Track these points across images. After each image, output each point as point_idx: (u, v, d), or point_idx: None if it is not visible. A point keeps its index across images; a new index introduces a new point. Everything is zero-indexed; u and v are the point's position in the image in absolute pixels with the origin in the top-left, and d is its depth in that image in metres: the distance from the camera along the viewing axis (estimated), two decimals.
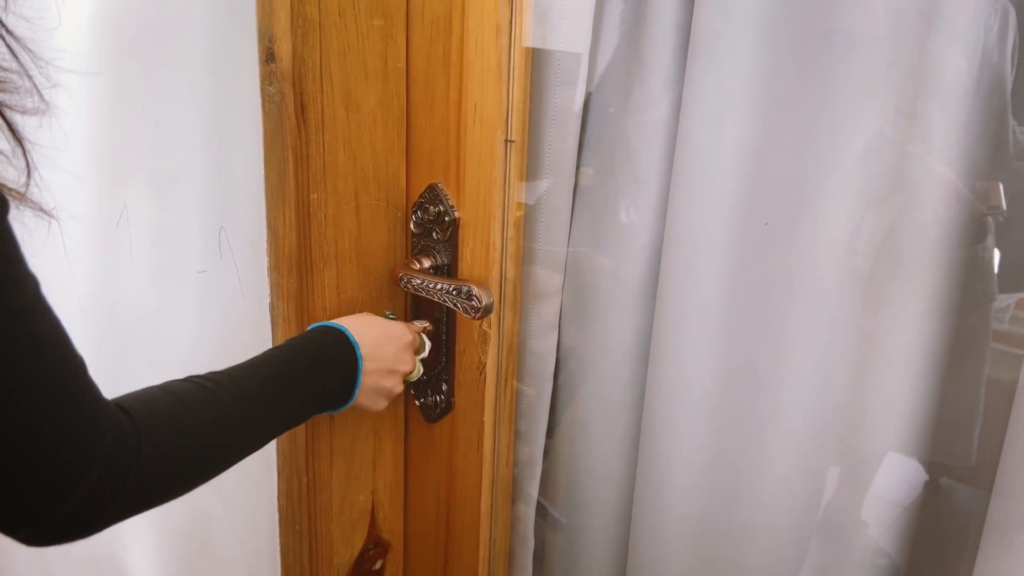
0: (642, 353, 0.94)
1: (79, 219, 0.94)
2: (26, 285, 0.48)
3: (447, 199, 0.87)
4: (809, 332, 0.83)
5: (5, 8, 0.50)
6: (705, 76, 0.81)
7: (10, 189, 0.49)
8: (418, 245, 0.91)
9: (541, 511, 1.08)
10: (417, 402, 0.96)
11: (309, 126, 0.80)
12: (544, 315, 0.98)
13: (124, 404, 0.56)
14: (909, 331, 0.80)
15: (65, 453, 0.49)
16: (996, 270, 0.79)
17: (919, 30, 0.73)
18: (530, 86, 0.86)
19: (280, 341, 0.88)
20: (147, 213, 0.92)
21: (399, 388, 0.85)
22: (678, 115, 0.84)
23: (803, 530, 0.90)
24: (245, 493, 0.98)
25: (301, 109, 0.80)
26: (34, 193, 0.51)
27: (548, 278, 0.97)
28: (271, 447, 0.87)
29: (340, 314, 0.87)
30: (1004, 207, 0.77)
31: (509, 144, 0.83)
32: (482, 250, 0.85)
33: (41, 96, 0.52)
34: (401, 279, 0.87)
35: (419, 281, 0.86)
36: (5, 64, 0.50)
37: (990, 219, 0.77)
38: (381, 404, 0.83)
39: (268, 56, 0.80)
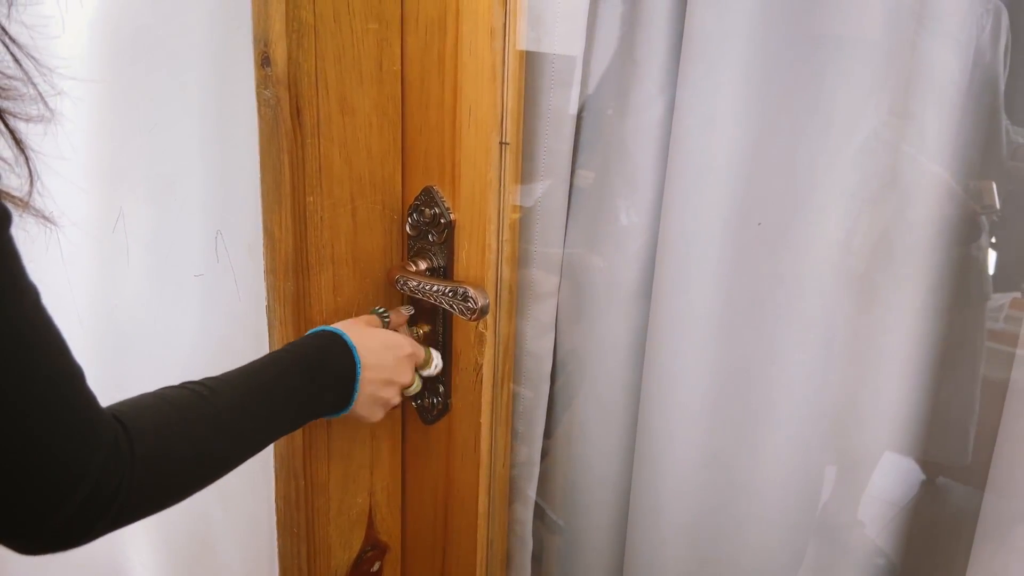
0: (638, 354, 0.94)
1: (76, 224, 0.94)
2: (26, 296, 0.48)
3: (443, 201, 0.87)
4: (804, 332, 0.83)
5: (8, 16, 0.50)
6: (699, 78, 0.81)
7: (13, 198, 0.49)
8: (414, 247, 0.91)
9: (539, 512, 1.08)
10: (414, 404, 0.96)
11: (305, 130, 0.81)
12: (540, 316, 0.99)
13: (118, 413, 0.56)
14: (904, 331, 0.80)
15: (60, 464, 0.49)
16: (990, 269, 0.80)
17: (912, 31, 0.74)
18: (525, 89, 0.87)
19: (277, 344, 0.88)
20: (143, 217, 0.92)
21: (396, 399, 0.83)
22: (672, 117, 0.85)
23: (800, 530, 0.90)
24: (243, 496, 0.98)
25: (297, 113, 0.80)
26: (36, 200, 0.51)
27: (544, 280, 0.97)
28: (268, 449, 0.87)
29: (337, 317, 0.87)
30: (998, 206, 0.77)
31: (504, 146, 0.83)
32: (478, 252, 0.86)
33: (45, 104, 0.51)
34: (397, 281, 0.88)
35: (415, 283, 0.86)
36: (8, 71, 0.49)
37: (984, 218, 0.78)
38: (378, 415, 0.82)
39: (264, 60, 0.80)
